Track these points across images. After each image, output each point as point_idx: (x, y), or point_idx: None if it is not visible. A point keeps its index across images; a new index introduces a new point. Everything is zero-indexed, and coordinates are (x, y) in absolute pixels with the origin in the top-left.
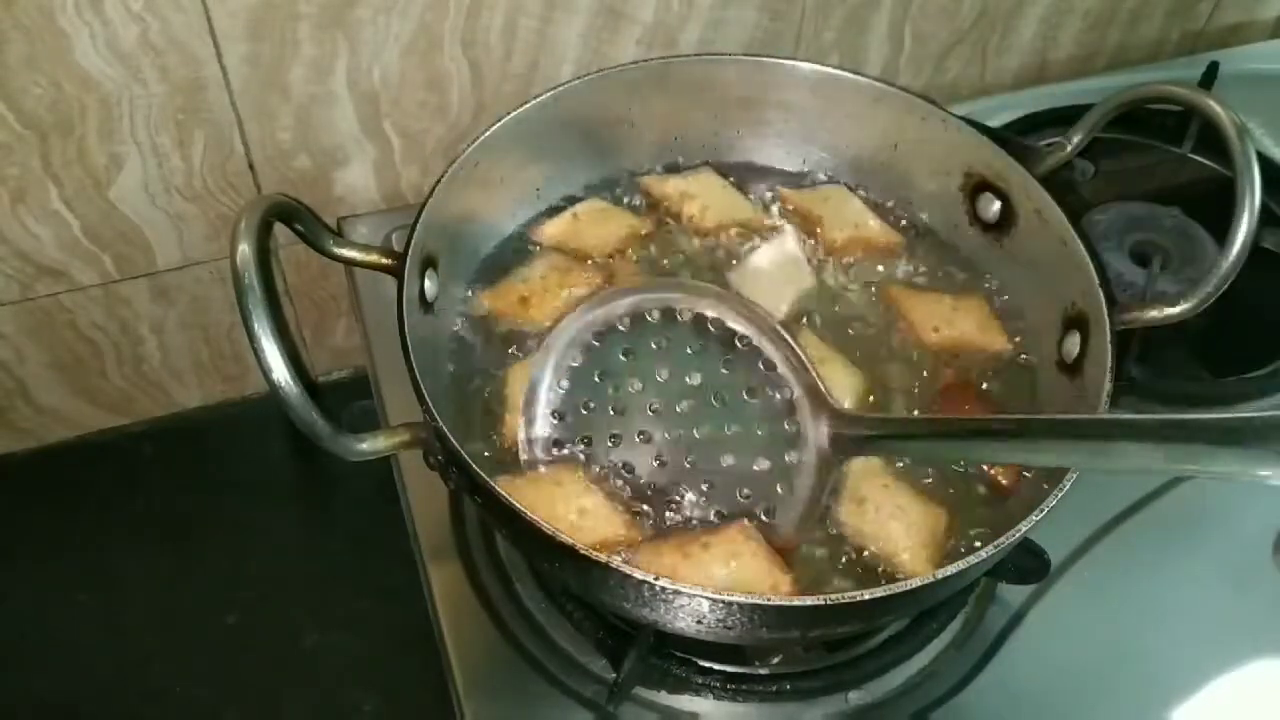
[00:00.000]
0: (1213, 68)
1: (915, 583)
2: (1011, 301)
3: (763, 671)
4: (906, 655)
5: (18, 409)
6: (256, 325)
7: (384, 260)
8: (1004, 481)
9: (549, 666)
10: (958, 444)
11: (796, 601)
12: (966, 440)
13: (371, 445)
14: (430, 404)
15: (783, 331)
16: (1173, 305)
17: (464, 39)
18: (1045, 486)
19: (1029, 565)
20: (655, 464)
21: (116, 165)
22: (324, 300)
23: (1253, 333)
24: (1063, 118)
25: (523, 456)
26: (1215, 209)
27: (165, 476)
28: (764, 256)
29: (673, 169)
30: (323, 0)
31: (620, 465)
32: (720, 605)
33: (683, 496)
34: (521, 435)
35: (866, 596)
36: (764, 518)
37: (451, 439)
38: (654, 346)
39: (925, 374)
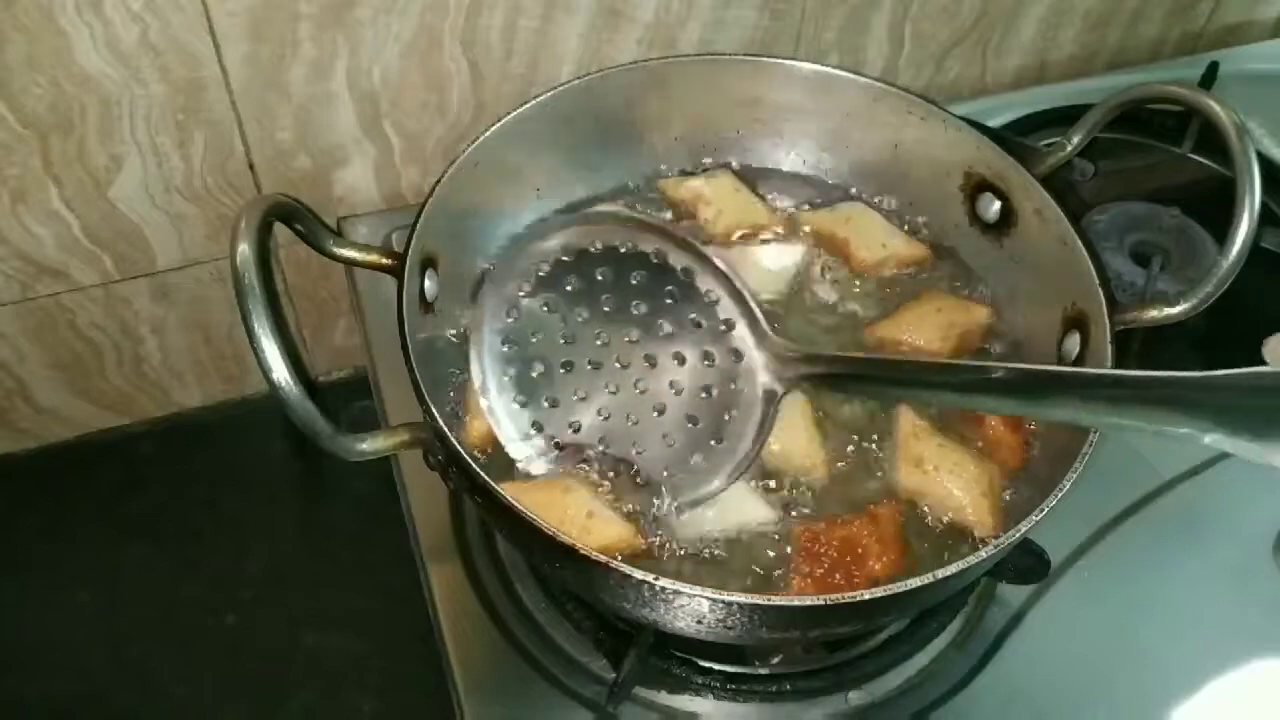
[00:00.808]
0: (1213, 68)
1: (915, 583)
2: (1011, 301)
3: (763, 671)
4: (907, 655)
5: (18, 409)
6: (256, 325)
7: (384, 260)
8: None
9: (549, 666)
10: (888, 388)
11: (796, 601)
12: (899, 385)
13: (371, 445)
14: (430, 404)
15: (721, 264)
16: (1173, 305)
17: (464, 39)
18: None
19: (1029, 565)
20: (606, 419)
21: (116, 165)
22: (324, 300)
23: (1253, 333)
24: (1063, 118)
25: (514, 457)
26: (1215, 209)
27: (165, 476)
28: (768, 252)
29: (672, 170)
30: (323, 0)
31: (572, 427)
32: (720, 605)
33: (640, 450)
34: (497, 432)
35: (866, 596)
36: (713, 444)
37: (451, 439)
38: (595, 283)
39: None
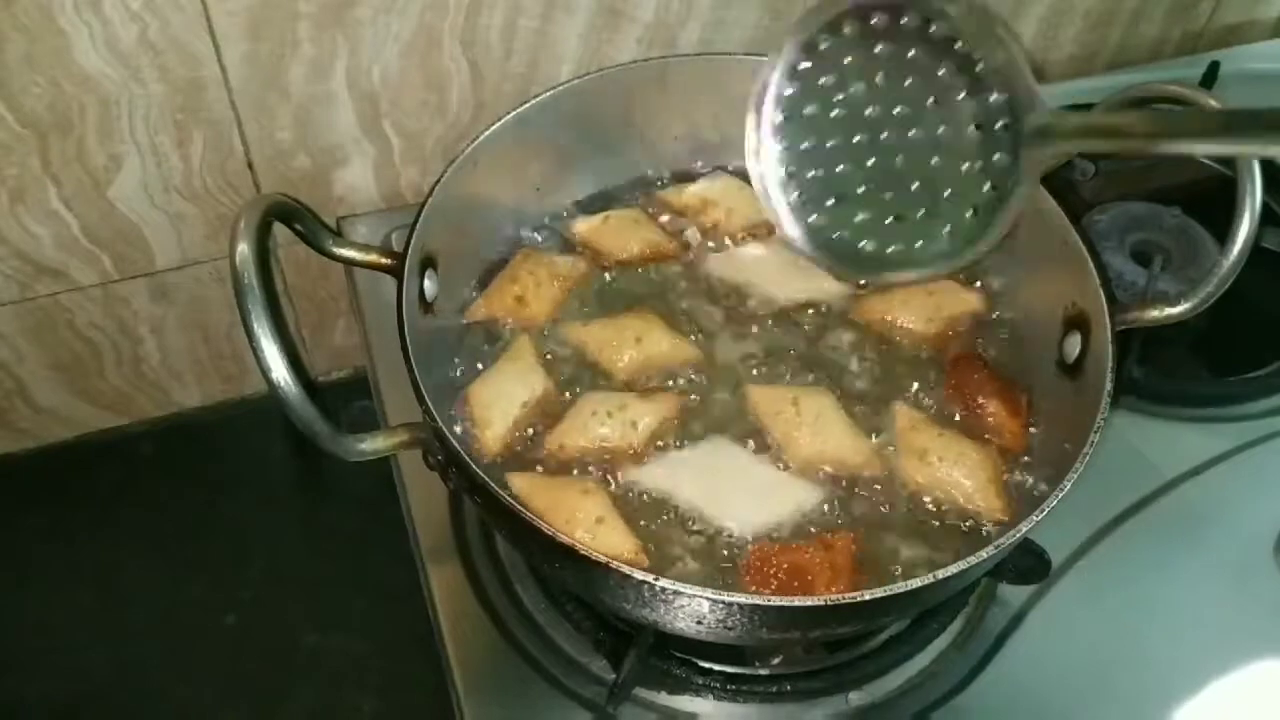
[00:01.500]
0: (1213, 68)
1: (915, 583)
2: (1012, 302)
3: (763, 672)
4: (907, 655)
5: (17, 409)
6: (256, 325)
7: (384, 260)
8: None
9: (549, 667)
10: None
11: (796, 601)
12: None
13: (371, 445)
14: (430, 404)
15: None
16: (1173, 305)
17: (464, 39)
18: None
19: (1029, 565)
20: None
21: (115, 165)
22: (324, 300)
23: (1253, 333)
24: None
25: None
26: (1215, 209)
27: (165, 476)
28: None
29: (675, 171)
30: (322, 0)
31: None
32: (720, 605)
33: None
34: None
35: (866, 596)
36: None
37: (451, 439)
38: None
39: (928, 357)
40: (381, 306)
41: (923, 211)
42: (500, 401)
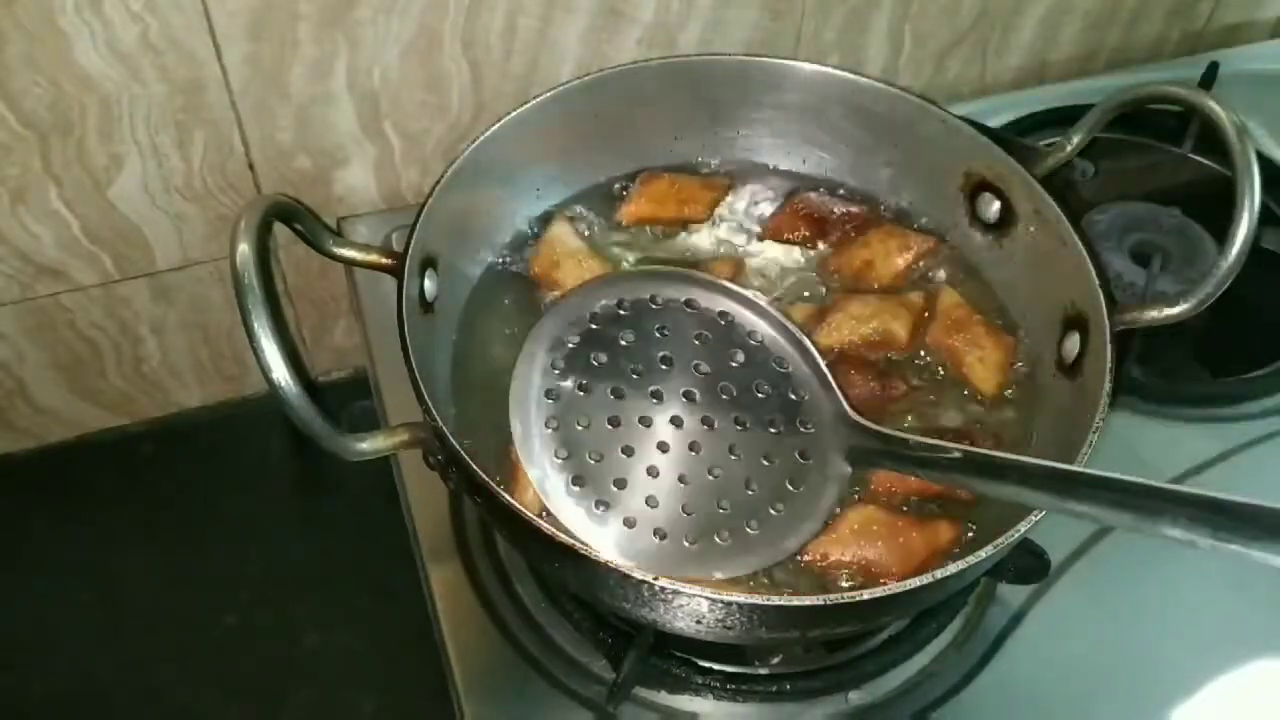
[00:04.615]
0: (1213, 68)
1: (915, 583)
2: (1011, 302)
3: (763, 671)
4: (907, 655)
5: (18, 409)
6: (256, 325)
7: (384, 260)
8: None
9: (549, 666)
10: (980, 481)
11: (796, 601)
12: (992, 479)
13: (371, 445)
14: (430, 404)
15: (799, 334)
16: (1173, 305)
17: (464, 39)
18: None
19: (1029, 565)
20: (655, 478)
21: (116, 165)
22: (324, 300)
23: (1253, 333)
24: (1063, 118)
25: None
26: (1215, 209)
27: (165, 476)
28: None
29: (675, 169)
30: (322, 0)
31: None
32: (720, 605)
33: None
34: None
35: (866, 596)
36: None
37: (451, 439)
38: (654, 336)
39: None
40: (381, 306)
41: (724, 506)
42: None
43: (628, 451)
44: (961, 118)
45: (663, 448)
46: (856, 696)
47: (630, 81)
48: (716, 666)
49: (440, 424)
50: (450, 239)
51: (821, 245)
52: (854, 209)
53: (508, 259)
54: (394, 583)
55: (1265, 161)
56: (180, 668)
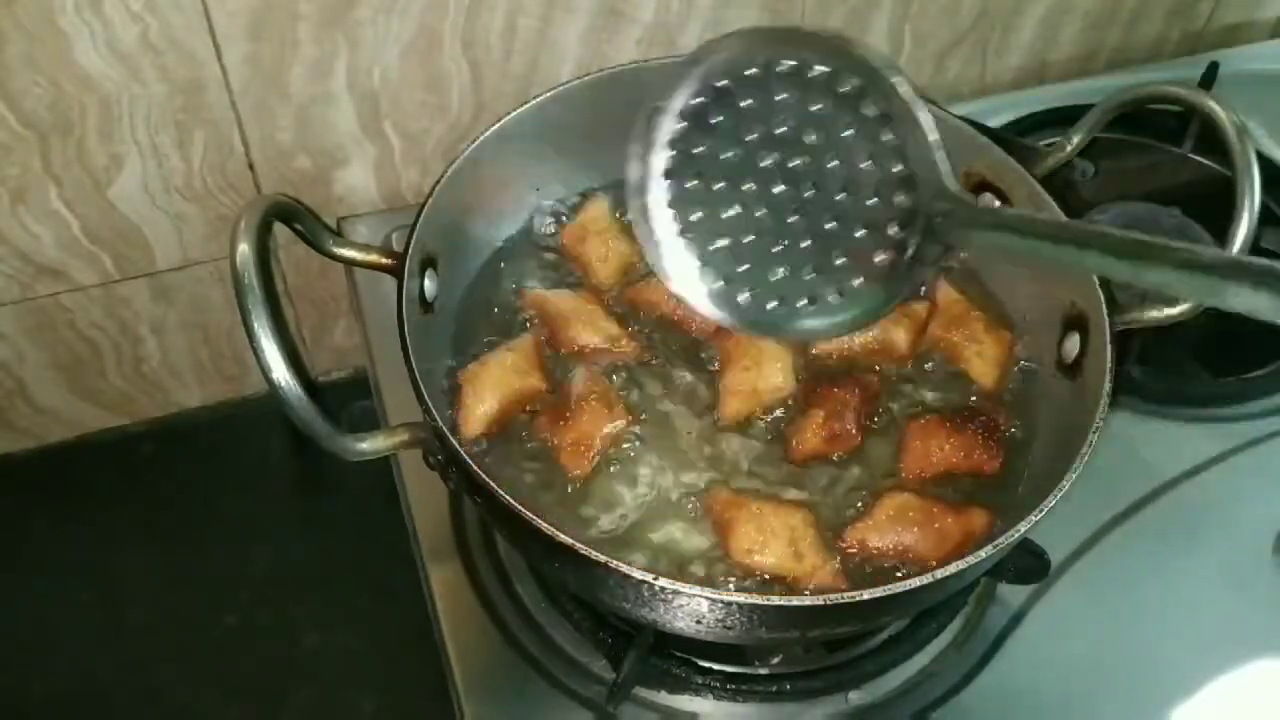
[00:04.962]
0: (1213, 68)
1: (915, 583)
2: (1012, 302)
3: (763, 671)
4: (906, 655)
5: (18, 409)
6: (256, 325)
7: (384, 260)
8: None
9: (549, 666)
10: (1067, 249)
11: (796, 601)
12: (1076, 247)
13: (371, 445)
14: (430, 404)
15: (910, 102)
16: (1172, 306)
17: (464, 39)
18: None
19: (1029, 565)
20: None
21: (116, 165)
22: (324, 300)
23: (1253, 333)
24: (1063, 118)
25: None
26: (1215, 209)
27: (165, 476)
28: None
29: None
30: (322, 0)
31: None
32: (719, 605)
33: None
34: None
35: (866, 596)
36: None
37: (451, 439)
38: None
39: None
40: (381, 306)
41: (811, 272)
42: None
43: (732, 212)
44: (961, 118)
45: (764, 209)
46: (856, 696)
47: (630, 81)
48: (716, 666)
49: (440, 424)
50: (450, 239)
51: None
52: None
53: (508, 258)
54: (394, 583)
55: (1265, 161)
56: (180, 668)
